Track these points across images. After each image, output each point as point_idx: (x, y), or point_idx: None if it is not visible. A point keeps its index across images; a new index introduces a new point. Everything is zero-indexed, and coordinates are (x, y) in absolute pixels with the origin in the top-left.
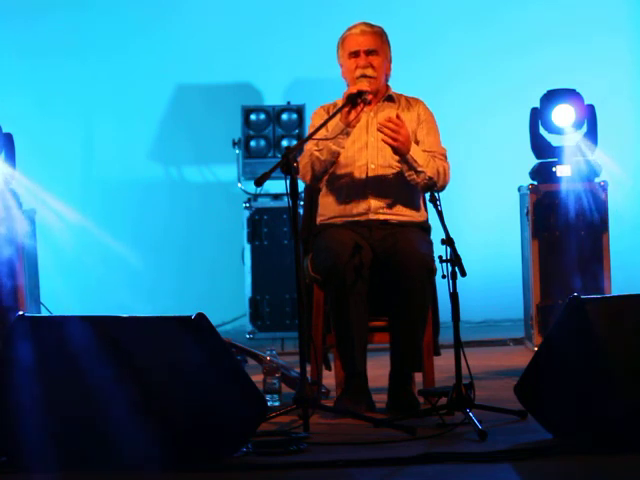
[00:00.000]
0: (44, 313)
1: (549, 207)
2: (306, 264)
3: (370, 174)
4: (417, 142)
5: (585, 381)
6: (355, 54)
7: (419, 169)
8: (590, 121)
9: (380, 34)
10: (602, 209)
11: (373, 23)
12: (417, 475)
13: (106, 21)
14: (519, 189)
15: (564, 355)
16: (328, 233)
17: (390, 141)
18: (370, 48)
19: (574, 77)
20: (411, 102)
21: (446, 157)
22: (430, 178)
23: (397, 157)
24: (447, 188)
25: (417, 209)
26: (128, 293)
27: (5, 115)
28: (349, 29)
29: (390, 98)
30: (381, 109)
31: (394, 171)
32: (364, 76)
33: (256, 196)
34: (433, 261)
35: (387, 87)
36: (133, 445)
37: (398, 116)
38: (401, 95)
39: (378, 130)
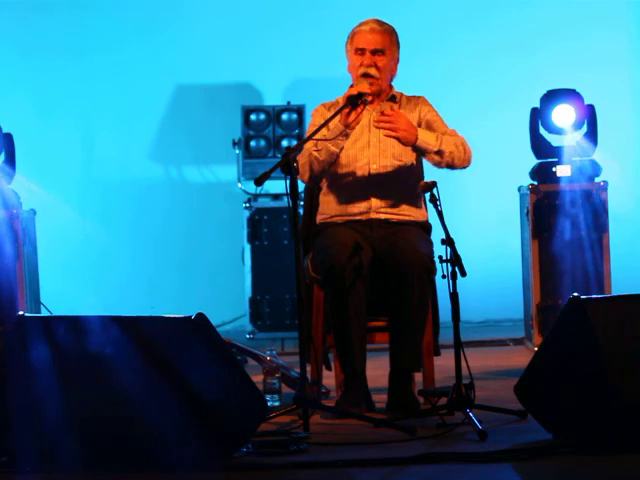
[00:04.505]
0: (44, 313)
1: (549, 207)
2: (306, 264)
3: (371, 173)
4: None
5: (585, 381)
6: (361, 52)
7: (435, 149)
8: (590, 121)
9: (390, 33)
10: (602, 209)
11: (384, 21)
12: (417, 475)
13: (106, 21)
14: (519, 189)
15: (564, 355)
16: (328, 233)
17: (392, 133)
18: (377, 48)
19: (574, 77)
20: (412, 100)
21: (457, 132)
22: (450, 153)
23: (399, 157)
24: (447, 188)
25: (418, 208)
26: (128, 293)
27: (5, 115)
28: (360, 24)
29: (393, 98)
30: (383, 108)
31: (395, 171)
32: (366, 75)
33: (256, 196)
34: (433, 261)
35: (391, 87)
36: (133, 446)
37: (391, 107)
38: (402, 94)
39: (376, 127)
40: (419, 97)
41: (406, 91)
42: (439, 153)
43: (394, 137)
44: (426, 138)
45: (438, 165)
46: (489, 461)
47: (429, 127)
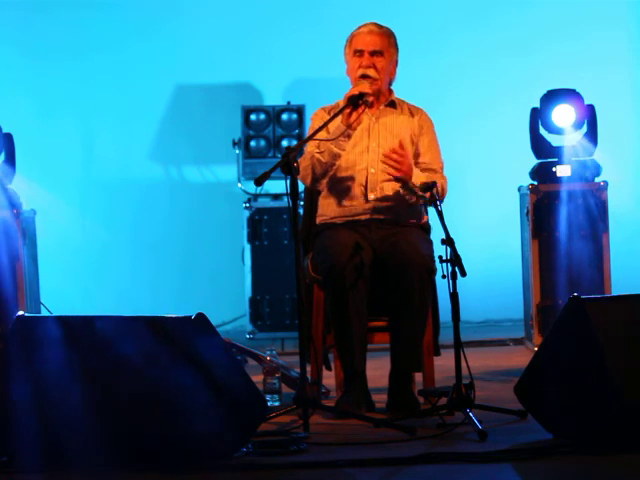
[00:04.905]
0: (44, 313)
1: (549, 207)
2: (306, 264)
3: (370, 178)
4: (418, 154)
5: (585, 381)
6: (360, 53)
7: (420, 194)
8: (590, 121)
9: (388, 36)
10: (602, 209)
11: (383, 24)
12: (417, 475)
13: (106, 21)
14: (519, 189)
15: (564, 355)
16: (328, 233)
17: (394, 172)
18: (375, 49)
19: (574, 77)
20: (413, 110)
21: (443, 170)
22: (430, 199)
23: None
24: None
25: (418, 213)
26: (128, 293)
27: (5, 115)
28: (358, 27)
29: (392, 104)
30: (383, 114)
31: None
32: (365, 76)
33: (256, 196)
34: (433, 261)
35: (390, 92)
36: (133, 445)
37: (401, 145)
38: (403, 102)
39: (383, 162)
40: (419, 108)
41: (407, 91)
42: (420, 197)
43: (393, 175)
44: (416, 178)
45: (413, 204)
46: (489, 461)
47: (424, 145)
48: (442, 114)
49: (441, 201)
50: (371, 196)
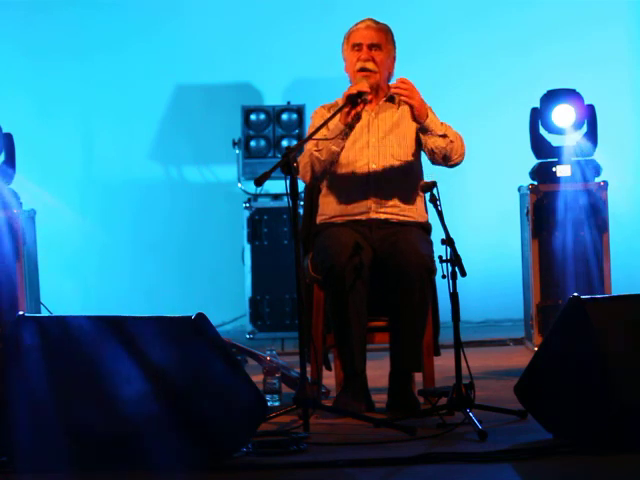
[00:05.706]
0: (44, 313)
1: (549, 207)
2: (306, 264)
3: (371, 174)
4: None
5: (585, 381)
6: (358, 47)
7: (440, 133)
8: (590, 121)
9: (385, 31)
10: (602, 209)
11: (380, 20)
12: (417, 475)
13: (106, 21)
14: (519, 189)
15: (564, 355)
16: (328, 233)
17: (408, 100)
18: (373, 42)
19: (574, 77)
20: None
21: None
22: (452, 142)
23: (398, 157)
24: (447, 188)
25: (418, 209)
26: (128, 293)
27: (5, 115)
28: (356, 24)
29: (391, 99)
30: (382, 109)
31: (395, 171)
32: (364, 69)
33: (256, 196)
34: (433, 261)
35: (389, 87)
36: (133, 446)
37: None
38: None
39: (393, 93)
40: None
41: None
42: (443, 137)
43: (409, 104)
44: (434, 119)
45: (437, 150)
46: (489, 461)
47: None
48: (442, 114)
49: (462, 156)
50: (372, 191)
